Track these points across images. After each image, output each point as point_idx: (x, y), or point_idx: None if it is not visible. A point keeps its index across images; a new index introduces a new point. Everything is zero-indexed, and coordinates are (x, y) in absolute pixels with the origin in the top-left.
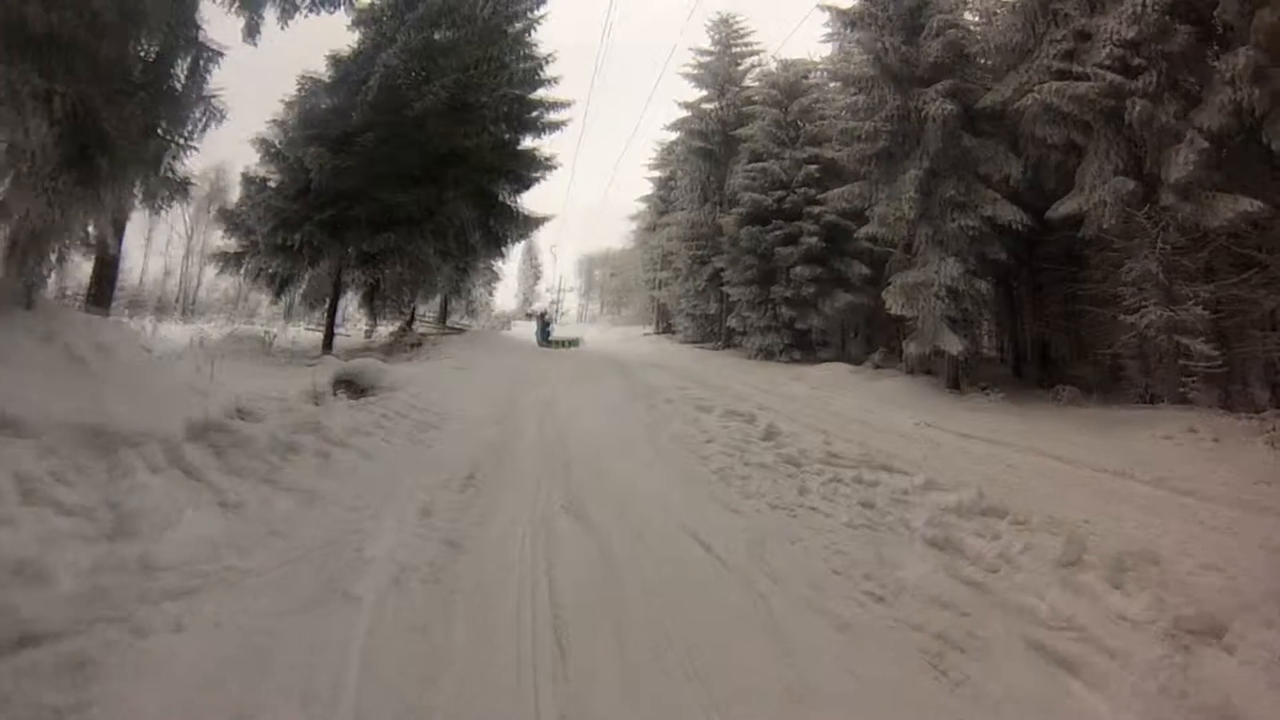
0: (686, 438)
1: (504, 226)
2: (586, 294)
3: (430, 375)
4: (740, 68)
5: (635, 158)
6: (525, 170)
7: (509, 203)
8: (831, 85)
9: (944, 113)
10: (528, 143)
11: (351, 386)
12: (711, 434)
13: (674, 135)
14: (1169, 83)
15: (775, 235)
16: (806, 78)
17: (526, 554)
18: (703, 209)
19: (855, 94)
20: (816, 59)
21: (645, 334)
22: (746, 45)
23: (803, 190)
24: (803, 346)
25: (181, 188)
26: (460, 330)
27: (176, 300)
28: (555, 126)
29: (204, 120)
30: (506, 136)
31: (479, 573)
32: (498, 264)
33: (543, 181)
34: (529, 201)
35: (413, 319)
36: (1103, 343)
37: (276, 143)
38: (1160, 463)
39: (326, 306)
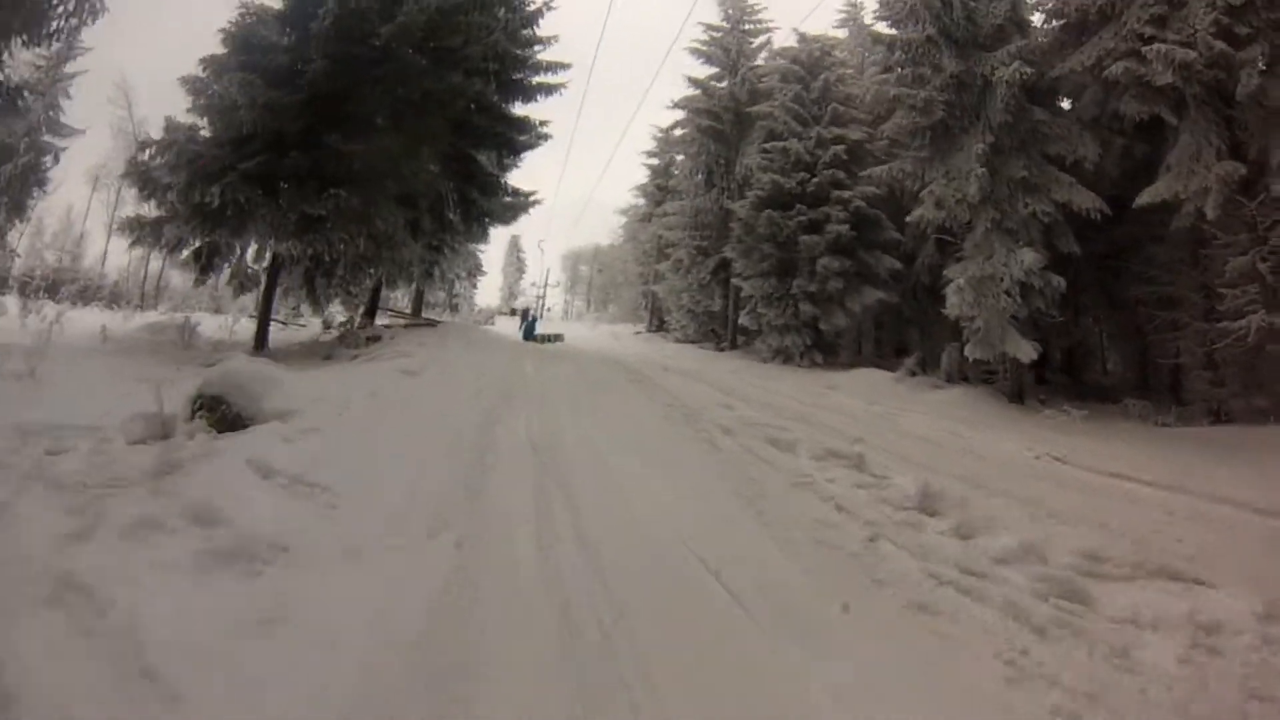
0: (822, 527)
1: (487, 201)
2: (571, 290)
3: (354, 389)
4: (754, 44)
5: (623, 157)
6: (514, 135)
7: (494, 174)
8: (848, 72)
9: (1019, 77)
10: (518, 109)
11: (219, 409)
12: (850, 509)
13: (676, 117)
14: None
15: (798, 222)
16: (829, 54)
17: None
18: (708, 195)
19: (901, 61)
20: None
21: (636, 332)
22: (758, 22)
23: (829, 172)
24: (824, 349)
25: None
26: (433, 323)
27: (144, 288)
28: (550, 90)
29: (76, 12)
30: (495, 98)
31: None
32: (481, 250)
33: (535, 149)
34: (516, 181)
35: (374, 308)
36: (1155, 350)
37: (205, 79)
38: None
39: (264, 290)
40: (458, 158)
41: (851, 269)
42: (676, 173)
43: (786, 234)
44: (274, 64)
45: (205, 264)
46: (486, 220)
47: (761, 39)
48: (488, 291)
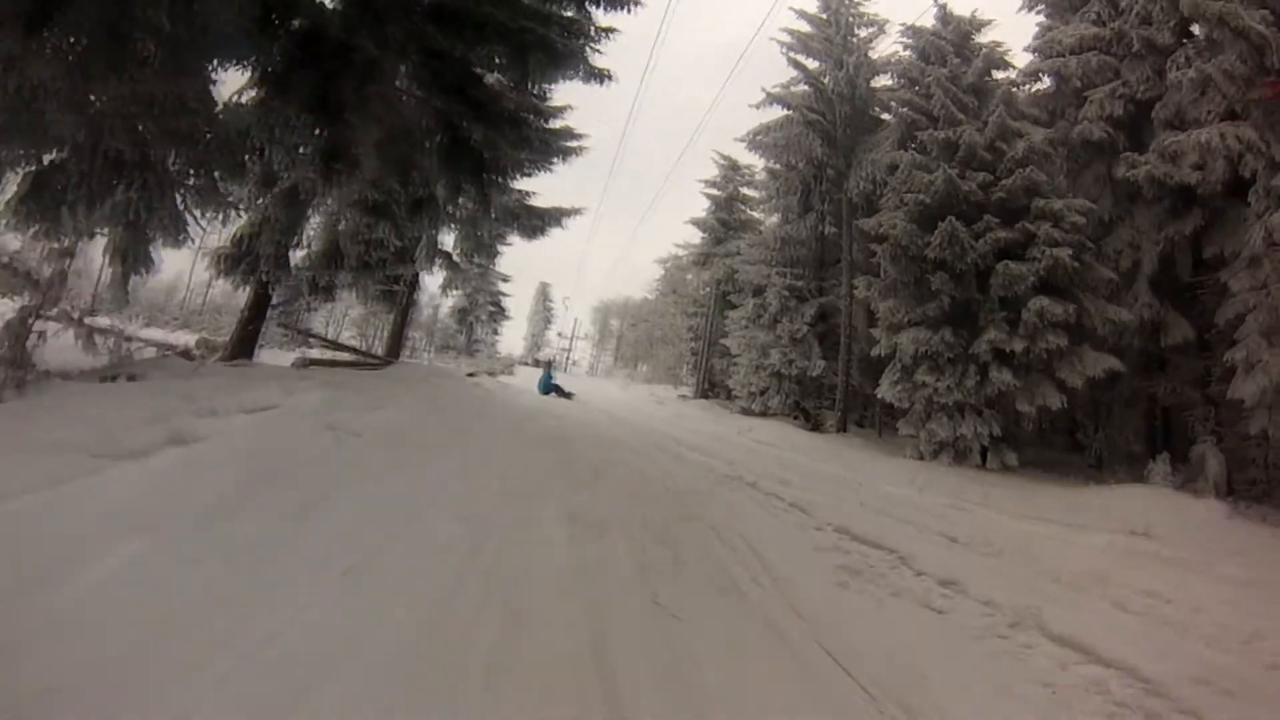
0: None
1: (494, 134)
2: (600, 345)
3: None
4: (861, 35)
5: (657, 214)
6: (552, 35)
7: (508, 105)
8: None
9: None
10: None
11: None
12: None
13: (761, 120)
14: None
15: (991, 241)
16: (976, 34)
17: None
18: (803, 220)
19: None
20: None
21: (682, 396)
22: (860, 15)
23: (1023, 171)
24: (1012, 443)
25: None
26: (378, 363)
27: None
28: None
29: None
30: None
31: None
32: (505, 293)
33: (586, 88)
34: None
35: (254, 326)
36: None
37: None
38: None
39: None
40: (438, 58)
41: (1074, 317)
42: (744, 204)
43: (972, 259)
44: None
45: None
46: (488, 181)
47: (871, 29)
48: (513, 340)
